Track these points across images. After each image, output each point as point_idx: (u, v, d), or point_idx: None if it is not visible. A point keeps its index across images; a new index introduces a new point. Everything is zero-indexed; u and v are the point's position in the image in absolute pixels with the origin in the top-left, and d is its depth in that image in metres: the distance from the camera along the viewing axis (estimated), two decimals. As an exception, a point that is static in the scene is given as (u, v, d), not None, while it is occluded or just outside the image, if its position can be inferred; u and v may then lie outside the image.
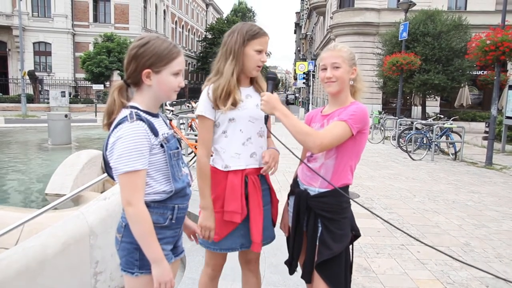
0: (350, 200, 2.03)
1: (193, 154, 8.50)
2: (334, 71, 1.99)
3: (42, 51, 35.65)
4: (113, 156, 1.55)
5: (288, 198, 2.22)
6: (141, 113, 1.62)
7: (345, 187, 2.01)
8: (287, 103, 50.38)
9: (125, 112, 1.60)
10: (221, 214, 2.11)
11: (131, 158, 1.52)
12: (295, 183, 2.17)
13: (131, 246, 1.63)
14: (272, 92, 1.99)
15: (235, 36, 2.09)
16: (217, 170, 2.14)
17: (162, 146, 1.64)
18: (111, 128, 1.60)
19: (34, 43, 35.04)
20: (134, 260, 1.64)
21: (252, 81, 2.20)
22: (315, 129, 2.06)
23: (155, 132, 1.61)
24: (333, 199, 1.97)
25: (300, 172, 2.16)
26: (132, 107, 1.63)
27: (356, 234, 2.10)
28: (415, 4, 16.16)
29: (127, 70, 1.66)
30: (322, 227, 1.99)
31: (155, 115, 1.71)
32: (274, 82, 2.07)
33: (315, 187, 2.02)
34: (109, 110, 1.65)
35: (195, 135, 8.79)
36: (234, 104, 2.05)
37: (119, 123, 1.57)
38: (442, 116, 15.08)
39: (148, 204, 1.63)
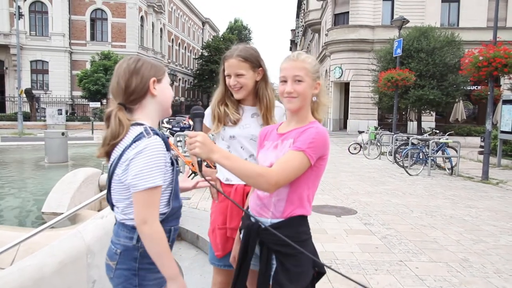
0: (309, 229, 1.80)
1: (190, 171, 8.48)
2: (296, 85, 1.73)
3: (39, 69, 35.82)
4: (130, 173, 1.49)
5: (240, 232, 1.91)
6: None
7: (302, 217, 1.76)
8: None
9: (138, 129, 1.54)
10: (224, 230, 2.14)
11: (152, 174, 1.47)
12: (246, 215, 1.89)
13: (129, 272, 1.59)
14: (201, 131, 1.65)
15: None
16: (221, 183, 2.19)
17: (172, 163, 1.60)
18: (125, 144, 1.53)
19: (31, 62, 35.23)
20: (133, 286, 1.59)
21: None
22: (267, 147, 1.84)
23: (168, 148, 1.58)
24: (289, 230, 1.70)
25: (251, 201, 1.88)
26: (138, 124, 1.58)
27: (319, 271, 1.78)
28: (409, 21, 16.41)
29: (129, 87, 1.59)
30: (277, 264, 1.71)
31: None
32: (202, 119, 1.77)
33: (267, 218, 1.76)
34: (114, 133, 1.54)
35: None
36: (220, 123, 2.18)
37: (135, 140, 1.51)
38: (437, 131, 15.18)
39: None
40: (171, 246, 1.66)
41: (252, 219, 1.81)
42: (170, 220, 1.64)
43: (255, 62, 2.14)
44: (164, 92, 1.67)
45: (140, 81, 1.60)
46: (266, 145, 1.86)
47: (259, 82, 2.18)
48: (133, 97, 1.61)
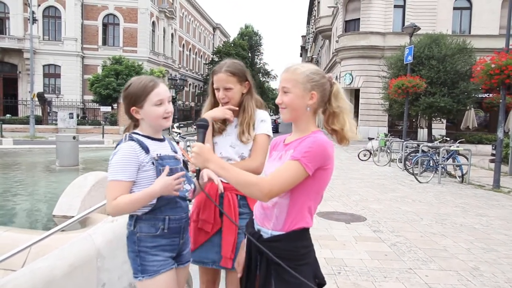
0: (311, 240, 1.77)
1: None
2: (284, 97, 1.75)
3: (52, 73, 36.33)
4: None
5: (246, 237, 1.94)
6: (139, 136, 1.92)
7: (302, 231, 1.72)
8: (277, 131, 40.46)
9: (123, 137, 1.93)
10: (197, 222, 2.28)
11: (116, 170, 1.81)
12: (251, 221, 1.90)
13: (133, 254, 1.89)
14: (203, 142, 1.74)
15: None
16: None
17: (153, 163, 1.87)
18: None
19: (44, 66, 35.74)
20: (137, 265, 1.87)
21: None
22: (273, 158, 1.86)
23: (146, 150, 1.87)
24: (288, 244, 1.69)
25: (255, 209, 1.88)
26: (133, 133, 1.95)
27: (320, 283, 1.75)
28: (420, 28, 16.34)
29: (125, 111, 2.00)
30: (274, 276, 1.70)
31: (158, 139, 1.98)
32: (205, 130, 1.83)
33: (268, 229, 1.76)
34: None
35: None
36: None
37: (118, 144, 1.91)
38: (448, 139, 15.04)
39: (140, 217, 1.88)
40: (173, 233, 1.92)
41: (256, 228, 1.82)
42: (164, 210, 1.89)
43: (242, 76, 2.29)
44: (148, 115, 1.92)
45: (126, 110, 1.97)
46: (273, 156, 1.87)
47: (244, 94, 2.32)
48: (129, 117, 2.00)
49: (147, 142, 1.91)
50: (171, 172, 1.88)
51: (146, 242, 1.87)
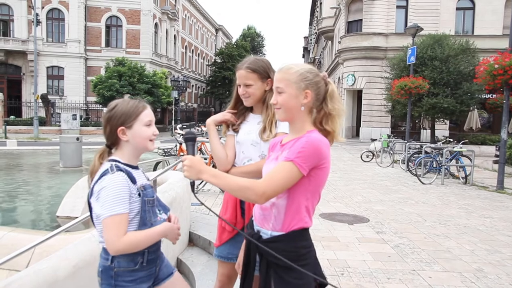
0: (311, 240, 1.78)
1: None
2: (278, 97, 1.76)
3: (55, 75, 36.43)
4: (98, 205, 1.74)
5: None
6: (121, 165, 1.83)
7: (302, 231, 1.73)
8: None
9: (106, 166, 1.82)
10: (221, 220, 2.34)
11: (114, 203, 1.71)
12: (250, 223, 1.92)
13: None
14: (193, 154, 1.77)
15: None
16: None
17: (139, 194, 1.82)
18: (95, 179, 1.81)
19: (47, 67, 35.86)
20: None
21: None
22: (271, 159, 1.85)
23: (133, 181, 1.81)
24: (288, 245, 1.70)
25: (255, 210, 1.89)
26: (113, 160, 1.86)
27: (321, 283, 1.75)
28: (422, 29, 16.32)
29: (105, 133, 1.90)
30: (275, 278, 1.71)
31: (134, 167, 1.91)
32: (193, 143, 1.87)
33: (267, 230, 1.76)
34: (92, 171, 1.88)
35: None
36: (227, 128, 2.42)
37: (102, 175, 1.78)
38: (451, 140, 15.00)
39: None
40: (151, 264, 1.89)
41: (255, 229, 1.83)
42: None
43: (263, 73, 2.29)
44: (136, 136, 1.87)
45: (110, 130, 1.88)
46: (271, 156, 1.88)
47: (267, 92, 2.31)
48: (109, 142, 1.92)
49: (131, 171, 1.86)
50: (152, 203, 1.88)
51: (124, 277, 1.81)
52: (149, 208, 1.85)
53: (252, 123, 2.35)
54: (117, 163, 1.83)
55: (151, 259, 1.89)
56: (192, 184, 1.82)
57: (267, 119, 2.28)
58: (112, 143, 1.91)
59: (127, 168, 1.84)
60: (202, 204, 1.85)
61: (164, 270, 2.02)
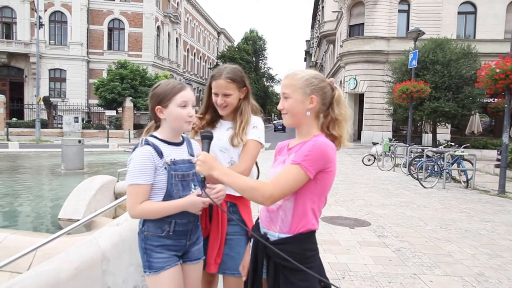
0: (316, 244, 1.80)
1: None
2: (284, 102, 1.79)
3: (57, 77, 36.56)
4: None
5: (251, 241, 1.99)
6: (155, 140, 1.98)
7: (309, 233, 1.75)
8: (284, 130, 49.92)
9: (139, 140, 2.00)
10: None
11: (135, 174, 1.88)
12: (256, 225, 1.95)
13: (142, 250, 2.00)
14: (208, 151, 1.83)
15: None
16: None
17: (165, 168, 1.94)
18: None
19: (50, 70, 36.02)
20: (145, 261, 1.98)
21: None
22: (278, 162, 1.89)
23: (160, 155, 1.94)
24: (295, 247, 1.71)
25: (261, 213, 1.91)
26: (151, 135, 2.02)
27: (325, 286, 1.78)
28: (424, 33, 16.33)
29: (149, 111, 2.06)
30: (282, 279, 1.72)
31: (174, 144, 2.04)
32: (210, 141, 1.91)
33: (274, 232, 1.78)
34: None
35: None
36: (196, 133, 2.42)
37: (135, 148, 1.97)
38: (453, 144, 14.99)
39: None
40: (179, 236, 2.00)
41: (262, 231, 1.85)
42: (172, 215, 1.95)
43: (241, 82, 2.31)
44: (171, 115, 1.99)
45: (151, 108, 2.04)
46: (278, 160, 1.91)
47: (242, 99, 2.34)
48: (152, 118, 2.09)
49: (162, 146, 1.97)
50: (183, 177, 1.99)
51: (152, 241, 1.96)
52: (176, 181, 1.96)
53: (221, 130, 2.36)
54: (151, 137, 1.99)
55: (179, 230, 1.99)
56: (203, 180, 1.84)
57: (238, 125, 2.29)
58: (155, 120, 2.06)
59: (158, 142, 1.98)
60: (210, 199, 1.87)
61: (196, 253, 2.11)
